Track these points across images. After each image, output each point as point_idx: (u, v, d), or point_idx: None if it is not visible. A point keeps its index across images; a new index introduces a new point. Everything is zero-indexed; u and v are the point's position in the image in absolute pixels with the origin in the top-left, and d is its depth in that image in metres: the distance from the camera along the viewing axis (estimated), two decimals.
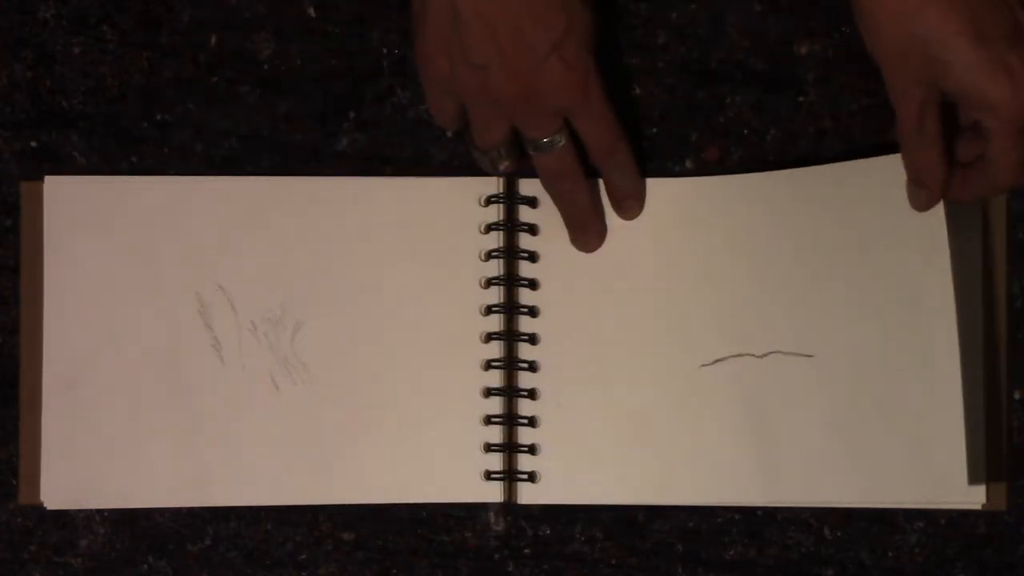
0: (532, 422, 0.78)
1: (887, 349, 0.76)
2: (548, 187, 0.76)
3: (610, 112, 0.74)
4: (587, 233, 0.78)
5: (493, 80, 0.70)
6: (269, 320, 0.78)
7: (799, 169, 0.77)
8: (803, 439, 0.76)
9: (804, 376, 0.77)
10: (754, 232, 0.78)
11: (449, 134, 0.79)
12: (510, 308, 0.78)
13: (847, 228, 0.77)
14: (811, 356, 0.77)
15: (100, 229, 0.78)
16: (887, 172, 0.75)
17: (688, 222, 0.78)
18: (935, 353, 0.75)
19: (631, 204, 0.78)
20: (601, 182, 0.77)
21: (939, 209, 0.74)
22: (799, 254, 0.77)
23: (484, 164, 0.77)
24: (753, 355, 0.77)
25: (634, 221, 0.78)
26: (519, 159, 0.76)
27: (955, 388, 0.75)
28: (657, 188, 0.78)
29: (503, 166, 0.76)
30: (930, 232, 0.75)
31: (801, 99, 0.79)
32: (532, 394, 0.78)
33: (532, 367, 0.78)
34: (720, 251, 0.78)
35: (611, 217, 0.78)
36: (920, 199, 0.74)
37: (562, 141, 0.73)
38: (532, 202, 0.78)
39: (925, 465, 0.75)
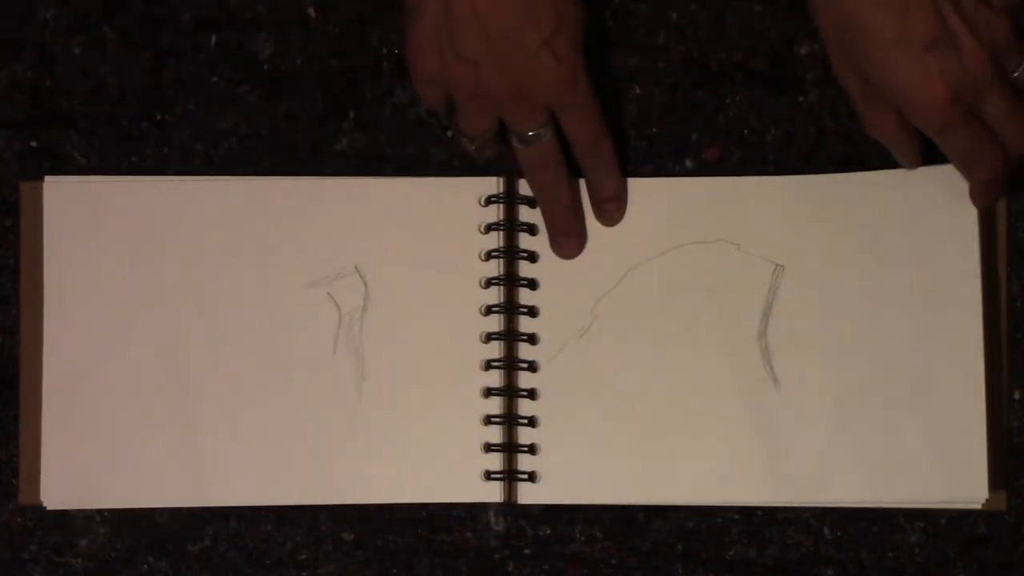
0: (532, 422, 0.78)
1: (905, 349, 0.76)
2: (531, 180, 0.77)
3: (596, 109, 0.74)
4: (568, 236, 0.78)
5: (484, 74, 0.70)
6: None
7: (803, 176, 0.78)
8: (810, 438, 0.76)
9: (811, 375, 0.77)
10: (756, 233, 0.78)
11: (450, 134, 0.79)
12: (510, 308, 0.78)
13: (860, 231, 0.77)
14: (816, 355, 0.77)
15: (100, 229, 0.78)
16: (896, 180, 0.77)
17: (688, 222, 0.78)
18: (958, 354, 0.76)
19: (612, 207, 0.77)
20: (584, 185, 0.78)
21: (969, 211, 0.76)
22: (805, 255, 0.77)
23: (469, 150, 0.77)
24: (758, 352, 0.77)
25: (633, 221, 0.78)
26: (503, 146, 0.76)
27: (978, 389, 0.76)
28: (657, 188, 0.78)
29: (488, 153, 0.76)
30: (959, 235, 0.76)
31: (801, 99, 0.79)
32: (532, 394, 0.78)
33: (532, 367, 0.78)
34: (720, 250, 0.78)
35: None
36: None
37: (547, 135, 0.74)
38: (532, 202, 0.78)
39: (944, 466, 0.76)
